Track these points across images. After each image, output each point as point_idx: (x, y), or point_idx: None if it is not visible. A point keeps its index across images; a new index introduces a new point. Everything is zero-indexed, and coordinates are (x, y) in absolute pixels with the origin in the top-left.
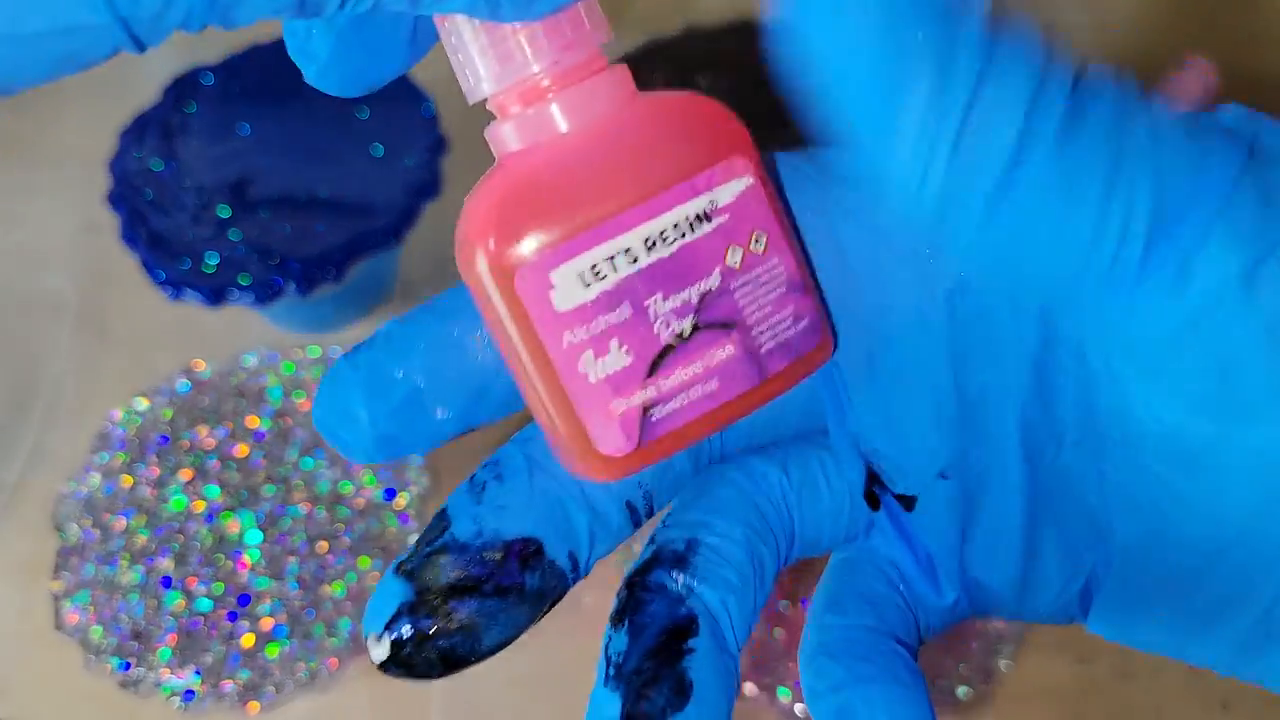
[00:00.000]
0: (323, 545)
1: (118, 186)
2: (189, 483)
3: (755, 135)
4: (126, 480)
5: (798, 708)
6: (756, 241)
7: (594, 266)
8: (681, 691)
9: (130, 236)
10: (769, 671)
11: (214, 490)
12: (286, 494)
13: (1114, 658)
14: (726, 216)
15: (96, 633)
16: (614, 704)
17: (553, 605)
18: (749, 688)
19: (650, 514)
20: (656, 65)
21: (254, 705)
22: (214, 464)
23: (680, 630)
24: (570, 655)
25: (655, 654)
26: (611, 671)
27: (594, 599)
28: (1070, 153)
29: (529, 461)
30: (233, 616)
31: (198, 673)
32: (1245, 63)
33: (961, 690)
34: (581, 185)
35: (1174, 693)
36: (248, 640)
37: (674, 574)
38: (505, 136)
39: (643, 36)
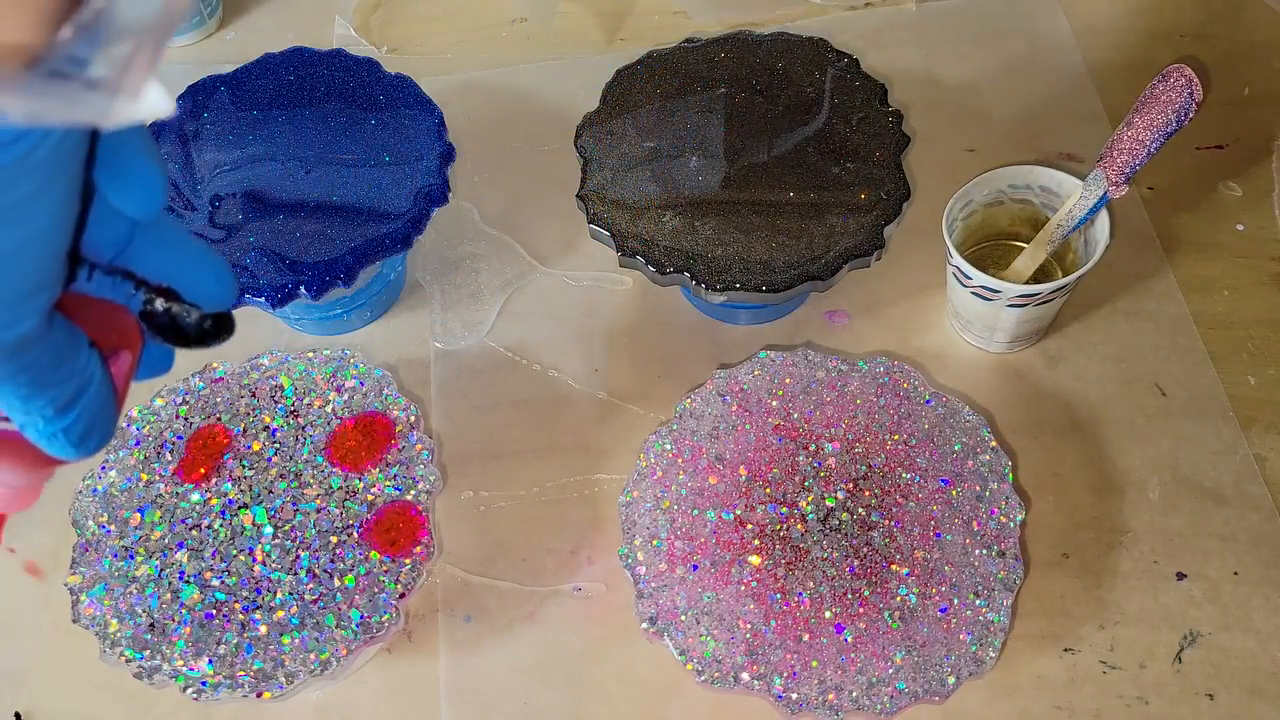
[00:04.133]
0: (334, 539)
1: None
2: (203, 478)
3: (755, 136)
4: (143, 476)
5: (793, 696)
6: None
7: None
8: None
9: None
10: (762, 661)
11: (228, 486)
12: (299, 490)
13: (1101, 649)
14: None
15: (113, 625)
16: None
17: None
18: (744, 676)
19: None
20: (656, 74)
21: (266, 694)
22: (228, 461)
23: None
24: (573, 646)
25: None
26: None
27: (597, 594)
28: None
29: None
30: (246, 608)
31: (211, 663)
32: (1237, 67)
33: (951, 680)
34: None
35: (1160, 682)
36: (260, 631)
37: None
38: None
39: (643, 48)
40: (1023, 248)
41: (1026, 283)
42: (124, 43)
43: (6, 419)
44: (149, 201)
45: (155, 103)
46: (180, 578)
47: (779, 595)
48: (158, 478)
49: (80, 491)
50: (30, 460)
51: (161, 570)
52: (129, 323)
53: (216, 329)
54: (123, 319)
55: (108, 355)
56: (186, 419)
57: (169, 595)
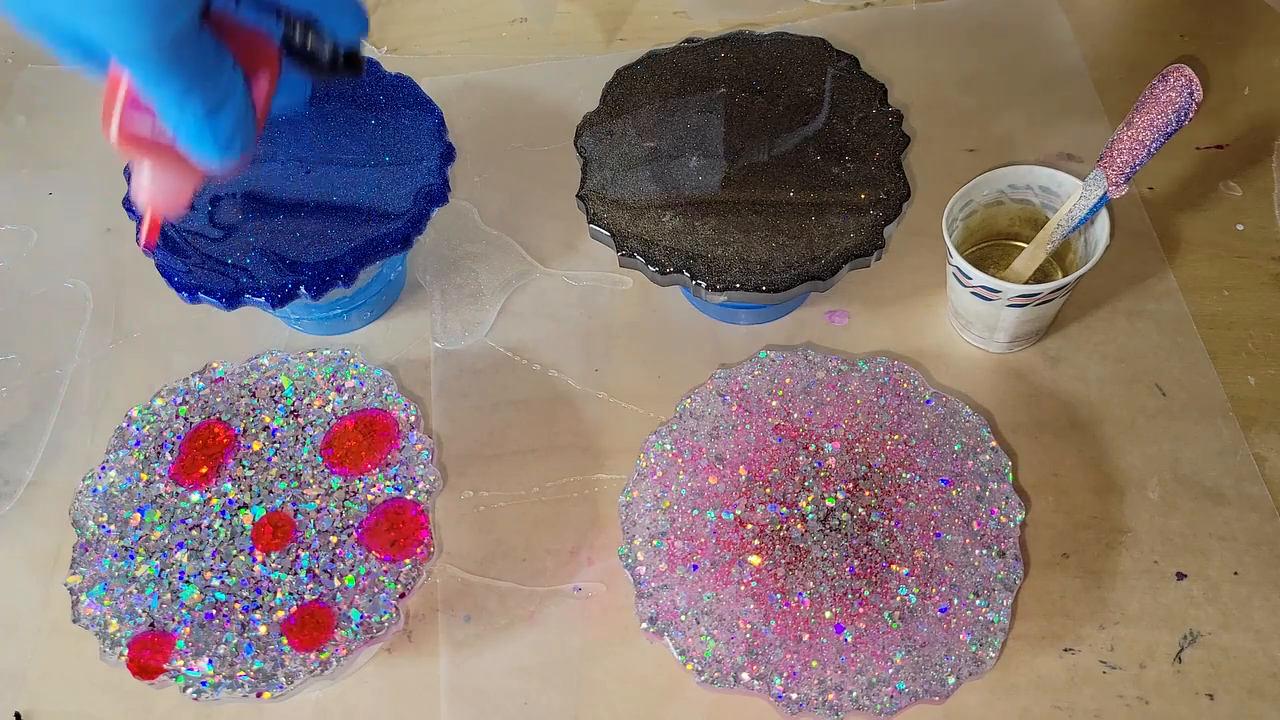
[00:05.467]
0: (334, 539)
1: None
2: (203, 478)
3: (755, 136)
4: (143, 476)
5: (793, 696)
6: None
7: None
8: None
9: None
10: (763, 661)
11: (228, 486)
12: (299, 490)
13: (1101, 649)
14: None
15: (113, 625)
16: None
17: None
18: (744, 676)
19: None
20: (656, 74)
21: (266, 694)
22: (228, 461)
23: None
24: (573, 646)
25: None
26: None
27: (597, 594)
28: None
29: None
30: (246, 608)
31: (211, 663)
32: (1237, 67)
33: (951, 680)
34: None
35: (1160, 683)
36: (260, 631)
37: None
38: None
39: (643, 48)
40: (1023, 248)
41: (1026, 283)
42: None
43: (163, 132)
44: None
45: None
46: (180, 578)
47: (779, 595)
48: (158, 478)
49: (80, 491)
50: (181, 167)
51: (161, 570)
52: (270, 49)
53: (349, 64)
54: (265, 45)
55: (250, 76)
56: (186, 419)
57: (169, 595)
